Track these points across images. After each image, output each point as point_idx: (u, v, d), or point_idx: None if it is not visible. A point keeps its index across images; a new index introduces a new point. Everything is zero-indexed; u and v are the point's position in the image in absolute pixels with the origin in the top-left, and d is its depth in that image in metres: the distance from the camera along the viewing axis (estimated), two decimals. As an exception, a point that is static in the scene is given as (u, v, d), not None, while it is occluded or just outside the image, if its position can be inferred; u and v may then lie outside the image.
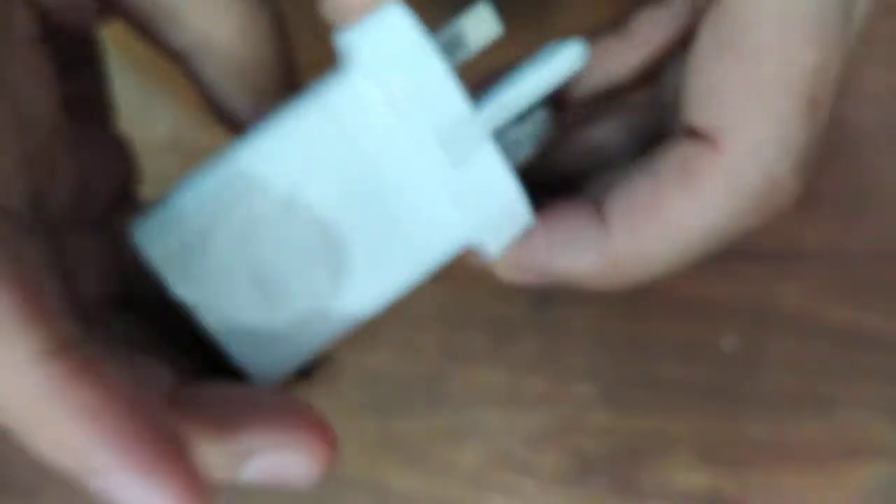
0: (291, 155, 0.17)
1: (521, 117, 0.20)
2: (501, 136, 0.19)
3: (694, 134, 0.19)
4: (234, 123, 0.20)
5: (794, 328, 0.33)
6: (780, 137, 0.17)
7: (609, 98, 0.22)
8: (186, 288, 0.18)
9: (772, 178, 0.18)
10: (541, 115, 0.20)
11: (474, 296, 0.34)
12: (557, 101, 0.22)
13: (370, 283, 0.19)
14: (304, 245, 0.18)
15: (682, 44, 0.20)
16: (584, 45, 0.19)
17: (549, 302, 0.34)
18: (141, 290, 0.19)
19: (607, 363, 0.33)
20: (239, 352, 0.18)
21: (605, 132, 0.23)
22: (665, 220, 0.19)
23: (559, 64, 0.19)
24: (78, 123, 0.19)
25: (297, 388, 0.35)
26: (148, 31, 0.19)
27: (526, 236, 0.20)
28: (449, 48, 0.18)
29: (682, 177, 0.18)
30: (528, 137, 0.20)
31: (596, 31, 0.22)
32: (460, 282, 0.34)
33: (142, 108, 0.35)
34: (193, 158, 0.19)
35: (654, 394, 0.33)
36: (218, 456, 0.16)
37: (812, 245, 0.33)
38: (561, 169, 0.23)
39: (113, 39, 0.23)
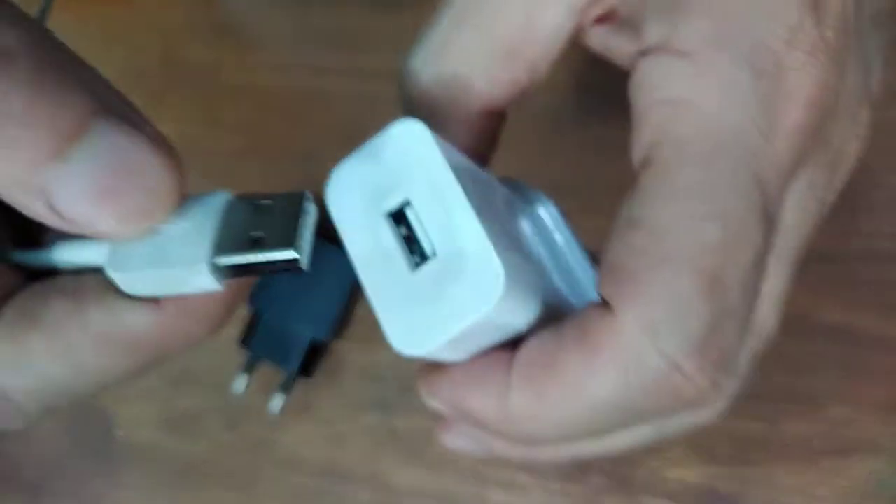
0: None
1: None
2: None
3: (604, 302, 0.18)
4: None
5: (787, 327, 0.33)
6: (676, 317, 0.16)
7: None
8: None
9: (669, 360, 0.16)
10: None
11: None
12: None
13: None
14: None
15: None
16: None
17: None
18: None
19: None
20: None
21: None
22: (560, 382, 0.17)
23: None
24: None
25: (300, 385, 0.35)
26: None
27: (451, 367, 0.19)
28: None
29: (581, 342, 0.17)
30: None
31: None
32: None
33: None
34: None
35: (650, 391, 0.33)
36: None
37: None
38: None
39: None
